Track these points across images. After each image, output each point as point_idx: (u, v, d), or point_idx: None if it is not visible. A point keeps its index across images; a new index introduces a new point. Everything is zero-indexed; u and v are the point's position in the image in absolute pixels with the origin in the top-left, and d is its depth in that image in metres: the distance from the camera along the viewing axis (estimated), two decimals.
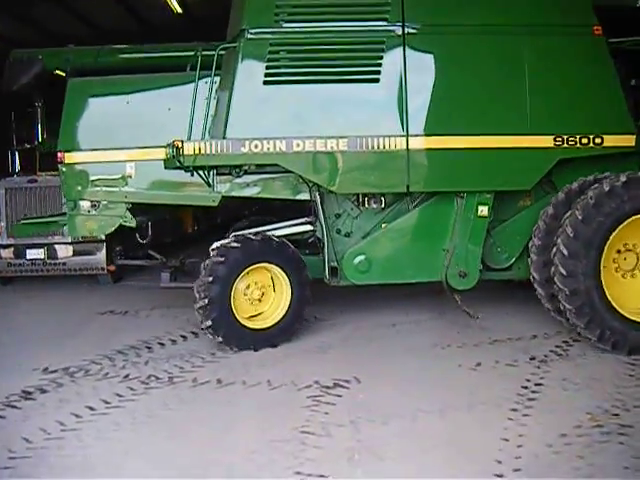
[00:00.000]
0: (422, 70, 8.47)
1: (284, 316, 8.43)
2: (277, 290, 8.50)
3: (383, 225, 8.95)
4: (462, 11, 8.57)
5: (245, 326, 8.27)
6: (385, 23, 8.42)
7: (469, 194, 8.63)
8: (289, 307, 8.43)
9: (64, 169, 9.14)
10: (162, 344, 8.69)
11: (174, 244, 14.74)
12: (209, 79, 8.56)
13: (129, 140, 8.98)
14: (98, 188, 9.06)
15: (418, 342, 8.45)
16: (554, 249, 8.04)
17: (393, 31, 8.39)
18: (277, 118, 8.38)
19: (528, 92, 8.43)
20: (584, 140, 8.45)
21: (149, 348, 8.53)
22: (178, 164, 8.27)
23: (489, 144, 8.42)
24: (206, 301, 8.03)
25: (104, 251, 12.19)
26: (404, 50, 8.36)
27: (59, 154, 9.12)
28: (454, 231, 8.73)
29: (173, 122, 8.69)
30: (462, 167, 8.50)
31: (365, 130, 8.31)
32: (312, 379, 7.16)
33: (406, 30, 8.39)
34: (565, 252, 7.83)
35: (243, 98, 8.32)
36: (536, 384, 6.90)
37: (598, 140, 8.47)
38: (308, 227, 9.09)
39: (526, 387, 6.82)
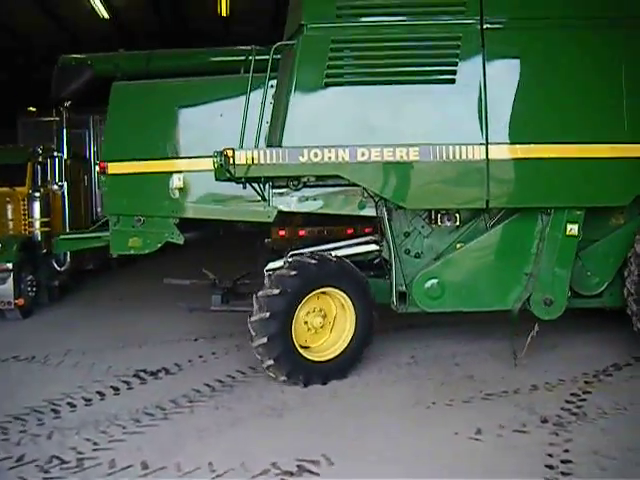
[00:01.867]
0: (504, 70, 7.64)
1: (348, 345, 7.61)
2: (339, 316, 7.69)
3: (458, 245, 8.08)
4: (549, 3, 7.72)
5: (310, 359, 7.45)
6: (461, 17, 7.59)
7: (557, 210, 7.73)
8: (354, 335, 7.61)
9: (107, 180, 8.62)
10: (73, 405, 7.01)
11: (96, 271, 14.04)
12: (264, 82, 7.89)
13: (177, 149, 8.44)
14: (143, 201, 8.47)
15: (394, 399, 7.03)
16: None
17: (470, 25, 7.57)
18: (340, 124, 7.58)
19: (625, 94, 7.53)
20: None
21: (56, 412, 6.83)
22: (229, 175, 7.46)
23: (580, 154, 7.51)
24: (265, 339, 7.20)
25: (11, 281, 10.57)
26: (483, 47, 7.54)
27: (101, 164, 8.62)
28: (539, 253, 7.82)
29: (225, 129, 8.07)
30: (549, 180, 7.59)
31: (439, 138, 7.48)
32: (268, 459, 5.57)
33: (485, 25, 7.56)
34: None
35: (302, 101, 7.55)
36: (562, 461, 5.46)
37: None
38: (373, 247, 8.24)
39: (551, 466, 5.39)
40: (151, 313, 11.01)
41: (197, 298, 9.11)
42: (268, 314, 7.17)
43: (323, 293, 7.60)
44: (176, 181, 8.31)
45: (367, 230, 9.27)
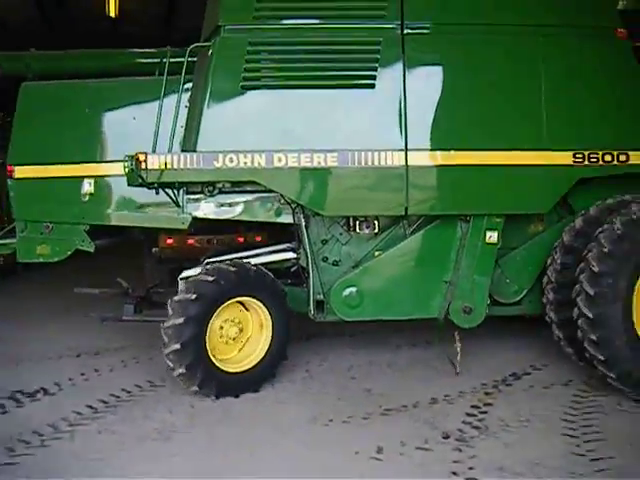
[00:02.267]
0: (424, 75, 7.52)
1: (264, 356, 7.40)
2: (255, 327, 7.47)
3: (376, 253, 7.91)
4: (469, 9, 7.65)
5: (224, 370, 7.19)
6: (382, 21, 7.47)
7: (476, 218, 7.65)
8: (270, 346, 7.40)
9: (14, 185, 8.19)
10: None
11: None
12: (178, 84, 7.61)
13: (88, 153, 8.10)
14: (52, 207, 8.10)
15: (290, 416, 6.66)
16: (577, 288, 7.05)
17: (391, 30, 7.45)
18: (257, 128, 7.36)
19: (544, 102, 7.51)
20: (607, 157, 7.54)
21: None
22: (141, 180, 7.20)
23: (500, 161, 7.45)
24: (178, 345, 6.91)
25: None
26: (403, 53, 7.42)
27: (8, 167, 8.18)
28: (458, 260, 7.73)
29: (139, 133, 7.77)
30: (469, 187, 7.50)
31: (357, 143, 7.31)
32: None
33: (406, 30, 7.46)
34: (591, 292, 6.83)
35: (217, 105, 7.33)
36: (468, 479, 5.31)
37: (623, 157, 7.57)
38: (290, 254, 8.03)
39: None
40: (30, 327, 10.22)
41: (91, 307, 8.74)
42: (182, 319, 6.90)
43: (243, 306, 7.38)
44: (87, 186, 7.98)
45: (258, 239, 9.18)
